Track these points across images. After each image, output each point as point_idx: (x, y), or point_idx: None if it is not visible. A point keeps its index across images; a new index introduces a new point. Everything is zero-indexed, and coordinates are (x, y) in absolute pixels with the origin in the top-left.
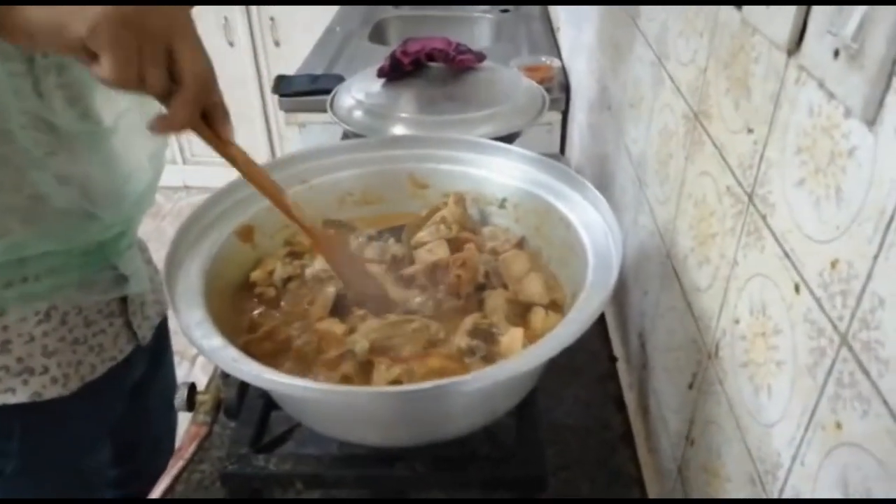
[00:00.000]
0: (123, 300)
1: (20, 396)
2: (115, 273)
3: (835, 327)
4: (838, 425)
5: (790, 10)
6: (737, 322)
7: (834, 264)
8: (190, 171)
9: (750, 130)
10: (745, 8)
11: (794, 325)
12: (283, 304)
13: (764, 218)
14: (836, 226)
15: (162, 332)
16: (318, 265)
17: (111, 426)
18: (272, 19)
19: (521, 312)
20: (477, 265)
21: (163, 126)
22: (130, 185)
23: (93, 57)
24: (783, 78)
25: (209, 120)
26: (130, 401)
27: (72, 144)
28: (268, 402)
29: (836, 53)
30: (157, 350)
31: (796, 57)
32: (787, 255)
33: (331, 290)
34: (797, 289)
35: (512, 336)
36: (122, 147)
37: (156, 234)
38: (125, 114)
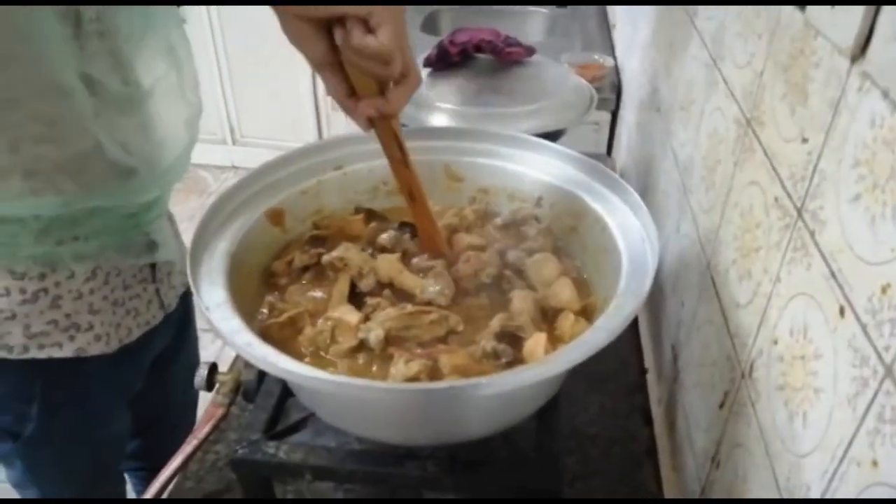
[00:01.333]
0: (153, 268)
1: (66, 351)
2: (147, 239)
3: (880, 357)
4: (875, 463)
5: (857, 13)
6: (775, 342)
7: (885, 289)
8: (239, 151)
9: (805, 140)
10: (810, 8)
11: (837, 351)
12: (296, 292)
13: (812, 234)
14: (892, 248)
15: (187, 306)
16: (335, 252)
17: (131, 397)
18: None
19: (549, 317)
20: (483, 263)
21: (378, 107)
22: (166, 150)
23: (366, 27)
24: (845, 85)
25: None
26: (151, 373)
27: (112, 107)
28: (285, 389)
29: None
30: (182, 324)
31: (860, 63)
32: (833, 275)
33: (345, 277)
34: (842, 312)
35: (535, 341)
36: (159, 111)
37: (201, 211)
38: (162, 79)
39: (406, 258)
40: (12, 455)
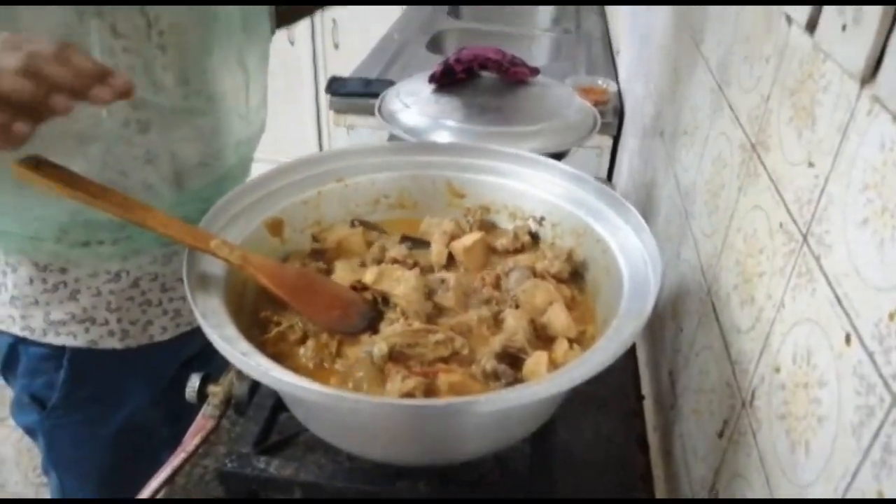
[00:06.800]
0: None
1: (79, 341)
2: None
3: (887, 385)
4: (880, 494)
5: (868, 36)
6: (777, 370)
7: (892, 316)
8: None
9: (811, 164)
10: (818, 33)
11: (842, 378)
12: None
13: (818, 259)
14: None
15: None
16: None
17: (160, 389)
18: (334, 21)
19: (544, 338)
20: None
21: None
22: (212, 167)
23: None
24: (854, 109)
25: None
26: (181, 371)
27: (168, 120)
28: (277, 403)
29: None
30: None
31: (870, 86)
32: (839, 301)
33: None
34: (848, 339)
35: (536, 360)
36: (216, 127)
37: None
38: (226, 95)
39: (421, 272)
40: (37, 428)
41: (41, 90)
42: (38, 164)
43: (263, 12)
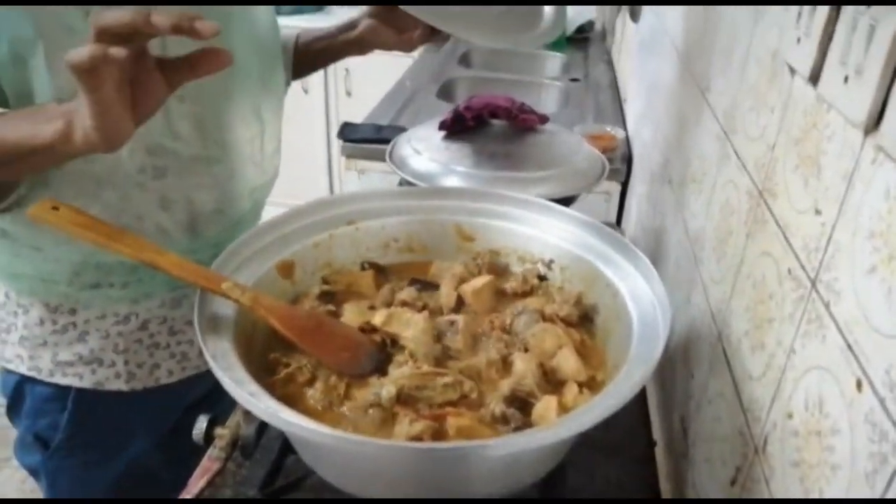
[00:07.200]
0: None
1: (85, 382)
2: None
3: None
4: None
5: (870, 87)
6: (790, 416)
7: None
8: None
9: (818, 212)
10: (821, 84)
11: (854, 425)
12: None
13: (827, 305)
14: None
15: None
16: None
17: (165, 432)
18: (347, 70)
19: (553, 381)
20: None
21: None
22: (226, 213)
23: None
24: (858, 157)
25: None
26: (186, 415)
27: (184, 167)
28: (285, 445)
29: None
30: None
31: (874, 136)
32: (850, 347)
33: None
34: (859, 386)
35: (546, 405)
36: (231, 174)
37: None
38: (241, 143)
39: (430, 315)
40: (40, 469)
41: (141, 17)
42: (54, 207)
43: (279, 64)
